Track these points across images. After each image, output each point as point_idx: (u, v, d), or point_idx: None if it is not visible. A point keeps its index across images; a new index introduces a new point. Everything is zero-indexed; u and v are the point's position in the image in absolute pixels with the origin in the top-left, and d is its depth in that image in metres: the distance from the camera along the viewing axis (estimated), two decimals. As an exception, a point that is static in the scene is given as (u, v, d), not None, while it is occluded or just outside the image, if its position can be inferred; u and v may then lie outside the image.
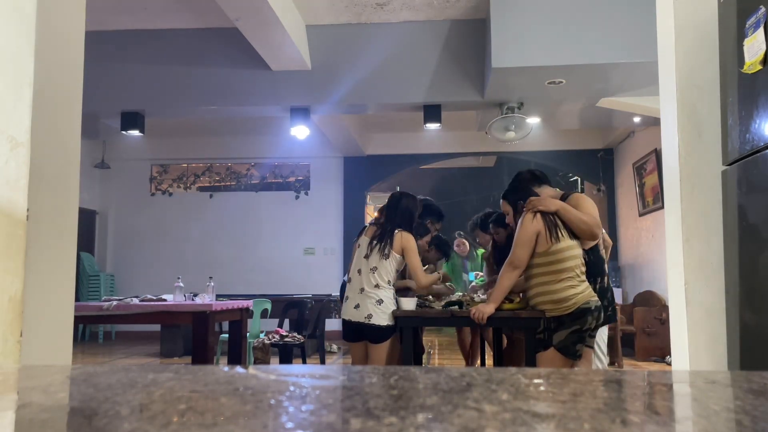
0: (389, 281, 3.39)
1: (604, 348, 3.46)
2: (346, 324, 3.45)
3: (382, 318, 3.31)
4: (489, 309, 3.14)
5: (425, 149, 9.07)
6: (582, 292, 2.96)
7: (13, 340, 1.27)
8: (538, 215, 3.02)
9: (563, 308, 2.95)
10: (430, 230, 4.07)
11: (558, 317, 2.97)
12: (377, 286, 3.36)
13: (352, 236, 4.81)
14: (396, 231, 3.42)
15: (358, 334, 3.40)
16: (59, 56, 1.76)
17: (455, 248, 5.74)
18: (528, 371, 0.58)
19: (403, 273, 3.68)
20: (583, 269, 3.04)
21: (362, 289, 3.38)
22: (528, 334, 3.17)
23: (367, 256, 3.42)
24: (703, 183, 2.16)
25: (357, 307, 3.36)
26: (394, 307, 3.37)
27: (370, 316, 3.31)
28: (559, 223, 3.02)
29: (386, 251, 3.38)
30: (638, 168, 7.93)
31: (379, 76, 5.80)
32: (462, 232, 5.72)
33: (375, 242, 3.43)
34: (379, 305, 3.32)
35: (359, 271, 3.43)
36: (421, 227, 3.94)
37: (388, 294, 3.37)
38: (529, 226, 3.01)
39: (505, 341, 4.52)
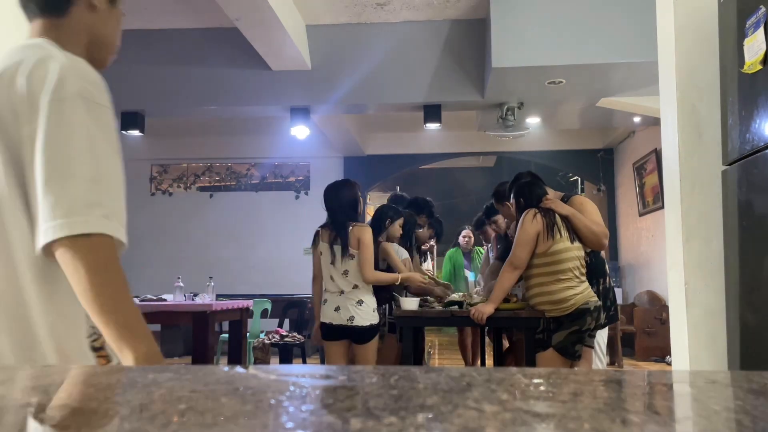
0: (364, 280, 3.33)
1: (604, 348, 3.46)
2: (326, 327, 3.37)
3: (363, 318, 3.27)
4: (488, 309, 3.13)
5: (425, 149, 9.06)
6: (581, 292, 2.96)
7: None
8: (538, 215, 3.02)
9: (562, 309, 2.95)
10: (401, 213, 3.92)
11: (557, 318, 2.97)
12: (356, 287, 3.31)
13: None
14: (350, 226, 3.34)
15: (339, 334, 3.35)
16: (59, 56, 1.75)
17: (461, 239, 5.75)
18: (528, 371, 0.58)
19: (390, 267, 3.63)
20: (583, 270, 3.03)
21: (342, 292, 3.32)
22: (528, 334, 3.17)
23: (332, 262, 3.35)
24: (703, 183, 2.16)
25: (337, 309, 3.30)
26: (375, 305, 3.34)
27: (352, 318, 3.27)
28: (559, 223, 3.02)
29: (348, 251, 3.31)
30: (638, 168, 7.93)
31: (379, 76, 5.80)
32: (469, 226, 5.72)
33: (334, 245, 3.36)
34: (359, 306, 3.28)
35: (332, 278, 3.36)
36: (391, 210, 3.82)
37: (367, 293, 3.33)
38: (529, 227, 3.00)
39: (505, 343, 4.51)
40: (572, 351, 2.94)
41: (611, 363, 6.25)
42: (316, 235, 3.53)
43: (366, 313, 3.29)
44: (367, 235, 3.33)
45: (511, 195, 3.31)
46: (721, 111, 2.03)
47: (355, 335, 3.31)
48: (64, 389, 0.57)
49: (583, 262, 3.05)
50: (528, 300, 3.13)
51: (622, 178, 8.83)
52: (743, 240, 1.90)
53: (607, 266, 3.42)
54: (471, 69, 5.77)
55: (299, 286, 8.66)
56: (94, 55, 1.16)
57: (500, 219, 4.18)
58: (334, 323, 3.31)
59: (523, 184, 3.26)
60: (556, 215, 3.04)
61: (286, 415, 0.44)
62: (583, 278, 3.02)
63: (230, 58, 5.91)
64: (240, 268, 9.17)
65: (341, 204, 3.41)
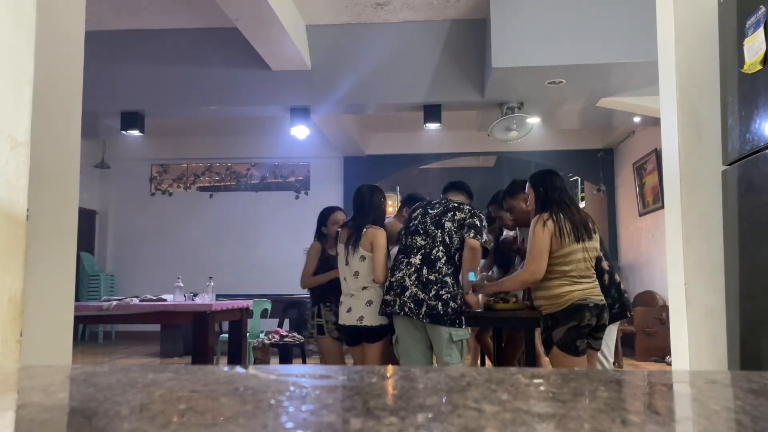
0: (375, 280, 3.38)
1: (612, 346, 3.42)
2: (342, 329, 3.48)
3: (373, 318, 3.32)
4: (474, 298, 3.17)
5: (425, 149, 9.06)
6: (580, 290, 2.95)
7: (13, 340, 1.27)
8: (549, 221, 2.98)
9: (557, 305, 2.96)
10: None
11: (553, 314, 2.98)
12: (365, 288, 3.36)
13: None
14: (365, 228, 3.38)
15: (356, 337, 3.42)
16: (59, 56, 1.76)
17: None
18: (528, 371, 0.58)
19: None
20: (588, 272, 3.01)
21: (352, 294, 3.39)
22: (528, 335, 3.17)
23: (347, 263, 3.41)
24: (703, 183, 2.16)
25: (349, 310, 3.37)
26: None
27: (361, 318, 3.33)
28: (567, 228, 2.99)
29: (361, 254, 3.36)
30: (638, 168, 7.93)
31: (379, 76, 5.79)
32: None
33: (350, 246, 3.40)
34: (368, 306, 3.33)
35: (345, 279, 3.44)
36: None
37: (377, 294, 3.36)
38: (542, 235, 2.97)
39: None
40: (574, 347, 2.93)
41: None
42: (337, 234, 3.60)
43: (375, 313, 3.32)
44: (381, 237, 3.36)
45: (528, 185, 3.22)
46: (721, 111, 2.03)
47: (365, 335, 3.36)
48: (64, 389, 0.57)
49: (591, 261, 3.02)
50: (533, 299, 3.14)
51: (622, 178, 8.82)
52: (743, 240, 1.90)
53: (604, 263, 3.34)
54: (471, 69, 5.77)
55: (299, 287, 8.66)
56: None
57: (506, 217, 4.08)
58: (347, 324, 3.38)
59: (545, 173, 3.19)
60: (565, 218, 3.00)
61: (286, 415, 0.44)
62: (586, 278, 2.99)
63: (230, 58, 5.90)
64: (240, 268, 9.17)
65: (373, 208, 3.45)
